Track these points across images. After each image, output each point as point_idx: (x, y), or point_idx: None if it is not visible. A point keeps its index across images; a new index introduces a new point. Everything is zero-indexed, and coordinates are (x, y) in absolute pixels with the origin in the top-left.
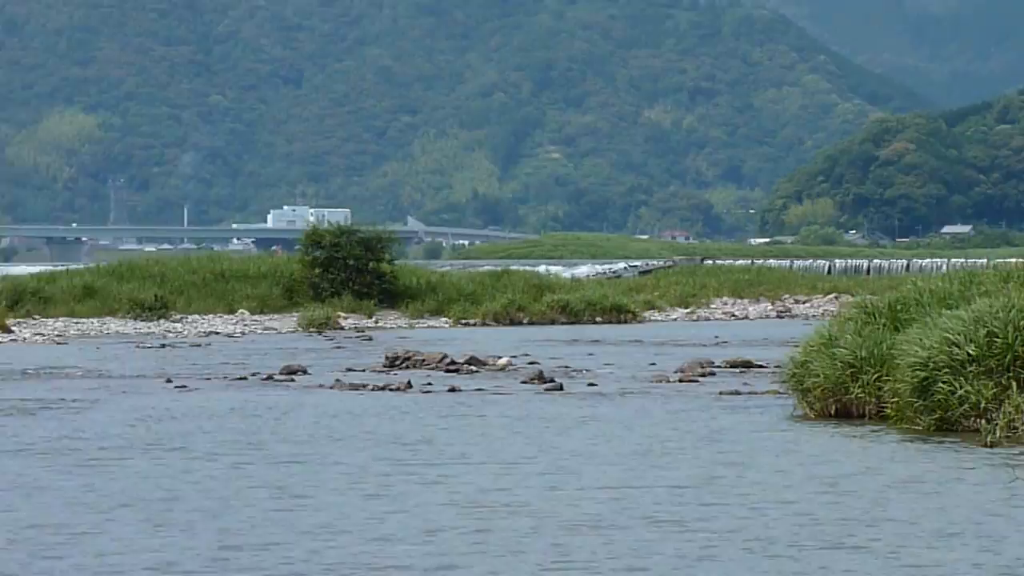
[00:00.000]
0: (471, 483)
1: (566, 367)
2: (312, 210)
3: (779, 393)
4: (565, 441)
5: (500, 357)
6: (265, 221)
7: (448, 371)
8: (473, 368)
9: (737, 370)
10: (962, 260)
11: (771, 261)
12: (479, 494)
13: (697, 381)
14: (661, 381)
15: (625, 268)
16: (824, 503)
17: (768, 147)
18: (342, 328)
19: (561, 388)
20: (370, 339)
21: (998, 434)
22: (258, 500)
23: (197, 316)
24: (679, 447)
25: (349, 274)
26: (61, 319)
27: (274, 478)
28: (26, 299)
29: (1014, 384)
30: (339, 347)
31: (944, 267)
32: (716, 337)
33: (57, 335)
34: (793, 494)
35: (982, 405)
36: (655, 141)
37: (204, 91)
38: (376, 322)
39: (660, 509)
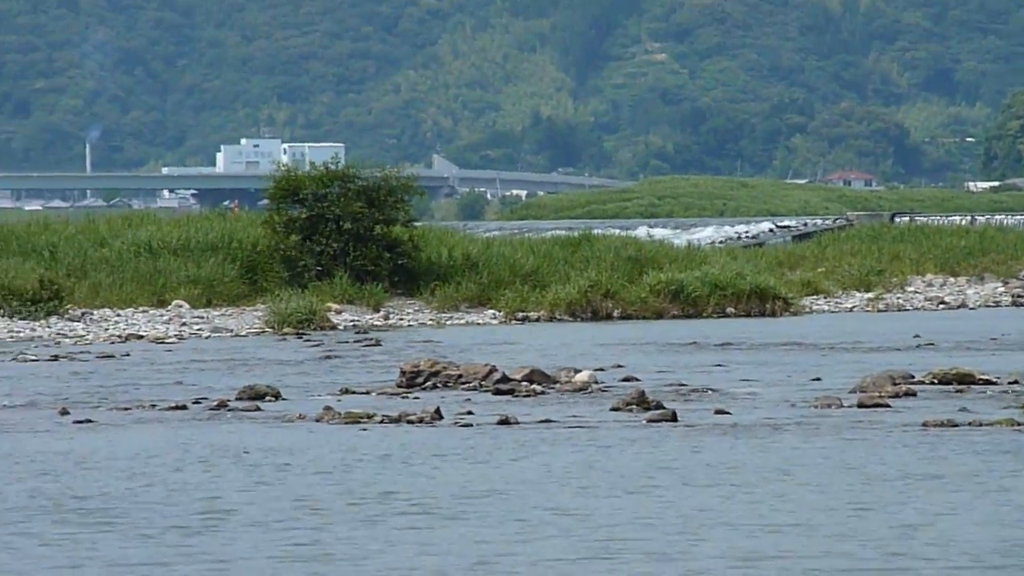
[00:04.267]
0: None
1: (681, 385)
2: (286, 146)
3: (1019, 424)
4: (671, 511)
5: (578, 371)
6: (213, 163)
7: (498, 393)
8: (537, 388)
9: (951, 388)
10: None
11: (1002, 217)
12: None
13: (887, 406)
14: (830, 406)
15: (771, 231)
16: None
17: (996, 38)
18: (334, 327)
19: (674, 418)
20: (377, 344)
21: None
22: None
23: (107, 311)
24: (863, 523)
25: (344, 244)
26: None
27: None
28: None
29: None
30: (330, 356)
31: None
32: (917, 337)
33: None
34: None
35: None
36: (816, 32)
37: None
38: (387, 318)
39: None
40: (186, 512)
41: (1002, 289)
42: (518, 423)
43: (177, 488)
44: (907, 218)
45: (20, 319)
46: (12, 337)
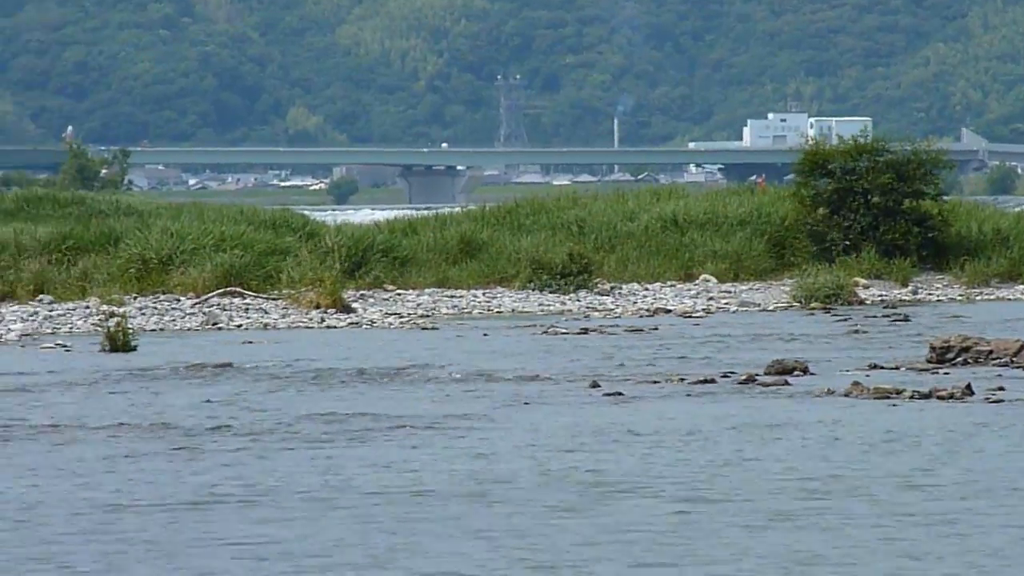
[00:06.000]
0: None
1: None
2: (813, 120)
3: None
4: None
5: None
6: (739, 138)
7: None
8: None
9: None
10: None
11: None
12: None
13: None
14: None
15: None
16: None
17: None
18: (862, 302)
19: None
20: (906, 319)
21: None
22: None
23: (635, 286)
24: None
25: (872, 218)
26: (427, 291)
27: None
28: (373, 261)
29: None
30: (857, 331)
31: None
32: None
33: (422, 315)
34: None
35: None
36: None
37: None
38: (914, 292)
39: None
40: (701, 486)
41: None
42: None
43: (713, 459)
44: None
45: (550, 292)
46: (543, 310)
